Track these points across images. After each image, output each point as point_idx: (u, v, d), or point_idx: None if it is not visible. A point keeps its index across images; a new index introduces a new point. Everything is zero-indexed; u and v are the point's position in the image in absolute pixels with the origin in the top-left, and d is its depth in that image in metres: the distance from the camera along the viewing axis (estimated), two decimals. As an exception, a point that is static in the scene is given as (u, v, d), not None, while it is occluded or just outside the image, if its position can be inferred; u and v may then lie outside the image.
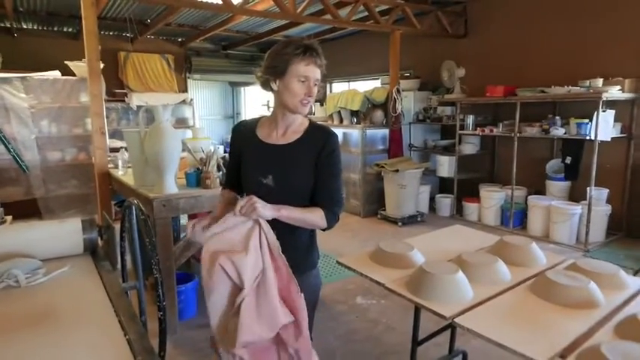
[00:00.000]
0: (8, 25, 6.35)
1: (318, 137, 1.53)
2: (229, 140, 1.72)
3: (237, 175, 1.65)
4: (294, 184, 1.52)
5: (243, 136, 1.63)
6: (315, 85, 1.47)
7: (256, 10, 4.97)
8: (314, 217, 1.49)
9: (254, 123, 1.64)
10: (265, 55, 1.50)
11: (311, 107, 1.59)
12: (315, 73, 1.46)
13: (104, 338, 1.10)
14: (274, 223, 1.42)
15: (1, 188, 5.30)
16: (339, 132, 6.08)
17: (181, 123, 7.15)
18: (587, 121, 4.24)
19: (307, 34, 7.72)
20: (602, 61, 4.55)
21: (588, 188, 4.24)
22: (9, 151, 2.17)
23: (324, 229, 1.54)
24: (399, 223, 5.32)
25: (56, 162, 5.77)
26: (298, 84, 1.44)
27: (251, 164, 1.58)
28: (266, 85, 1.52)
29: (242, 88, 10.64)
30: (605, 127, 4.14)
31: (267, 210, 1.39)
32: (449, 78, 5.82)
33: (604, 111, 4.10)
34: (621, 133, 4.40)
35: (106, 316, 1.21)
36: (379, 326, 2.92)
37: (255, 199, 1.38)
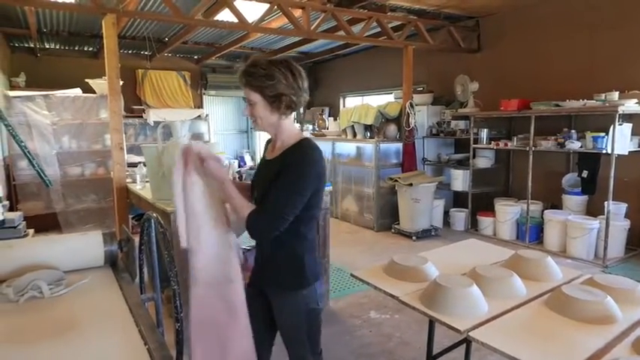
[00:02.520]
0: (32, 46, 6.59)
1: (289, 152, 1.54)
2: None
3: None
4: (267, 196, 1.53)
5: (264, 151, 1.72)
6: (250, 104, 1.52)
7: (271, 28, 5.07)
8: (242, 205, 1.50)
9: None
10: None
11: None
12: (245, 94, 1.52)
13: (125, 348, 1.13)
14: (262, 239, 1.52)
15: (22, 202, 5.44)
16: (352, 146, 6.16)
17: (197, 138, 7.27)
18: (603, 134, 4.20)
19: (321, 50, 7.84)
20: (618, 74, 4.52)
21: (606, 202, 4.17)
22: (33, 166, 2.25)
23: (248, 231, 1.51)
24: (413, 237, 5.30)
25: (76, 177, 5.91)
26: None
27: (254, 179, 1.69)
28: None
29: (256, 104, 10.78)
30: (622, 140, 4.09)
31: (210, 162, 1.49)
32: (462, 92, 5.83)
33: (620, 124, 4.06)
34: (639, 146, 4.34)
35: (127, 326, 1.24)
36: (393, 340, 2.90)
37: (200, 146, 1.50)
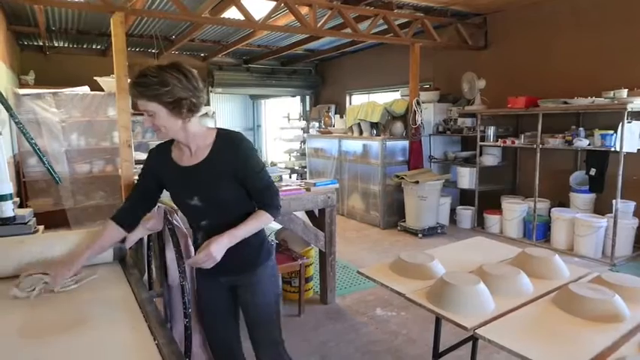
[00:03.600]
0: (41, 44, 6.65)
1: (228, 148, 1.53)
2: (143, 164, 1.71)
3: (140, 197, 1.67)
4: (221, 199, 1.55)
5: (160, 161, 1.63)
6: (150, 115, 1.45)
7: (277, 26, 5.08)
8: (262, 221, 1.57)
9: (167, 147, 1.63)
10: None
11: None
12: (139, 106, 1.46)
13: (135, 342, 1.15)
14: (218, 230, 1.49)
15: (32, 199, 5.50)
16: (358, 144, 6.16)
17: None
18: (611, 132, 4.17)
19: (327, 47, 7.84)
20: (627, 71, 4.48)
21: (614, 201, 4.14)
22: (43, 163, 2.28)
23: (278, 215, 1.61)
24: (420, 235, 5.29)
25: (84, 174, 5.96)
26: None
27: (175, 189, 1.61)
28: None
29: (262, 101, 10.82)
30: (630, 138, 4.06)
31: (222, 250, 1.46)
32: (469, 89, 5.81)
33: (629, 122, 4.02)
34: (648, 144, 4.30)
35: (136, 321, 1.26)
36: (399, 338, 2.91)
37: (211, 249, 1.42)
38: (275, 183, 1.65)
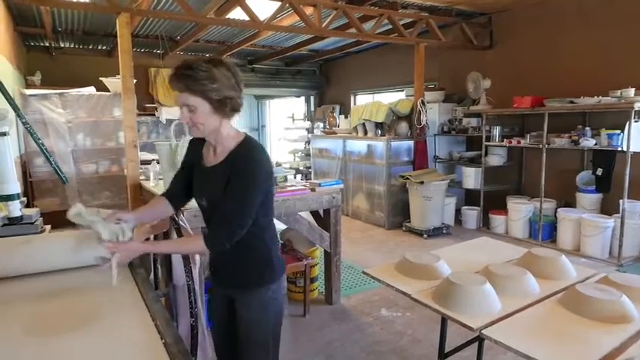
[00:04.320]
0: (47, 45, 6.69)
1: (234, 158, 1.45)
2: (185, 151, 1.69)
3: (180, 185, 1.64)
4: (220, 205, 1.45)
5: (196, 153, 1.59)
6: (190, 110, 1.39)
7: (282, 26, 5.08)
8: (187, 245, 1.55)
9: (203, 142, 1.58)
10: None
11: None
12: (179, 99, 1.39)
13: (142, 341, 1.16)
14: None
15: (39, 199, 5.54)
16: (363, 144, 6.15)
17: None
18: (618, 131, 4.14)
19: (332, 47, 7.83)
20: (634, 70, 4.44)
21: (621, 201, 4.11)
22: (50, 163, 2.29)
23: (212, 251, 1.45)
24: (425, 235, 5.28)
25: (90, 174, 6.00)
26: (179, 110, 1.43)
27: (194, 186, 1.59)
28: None
29: (267, 101, 10.84)
30: (637, 137, 4.02)
31: (131, 254, 1.45)
32: (474, 89, 5.79)
33: (636, 121, 4.00)
34: (655, 143, 4.27)
35: (143, 320, 1.27)
36: (405, 338, 2.90)
37: (120, 247, 1.40)
38: (246, 211, 1.43)
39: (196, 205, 1.61)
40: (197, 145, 1.60)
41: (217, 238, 1.42)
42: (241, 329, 1.56)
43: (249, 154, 1.45)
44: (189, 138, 2.71)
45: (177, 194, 1.65)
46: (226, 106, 1.41)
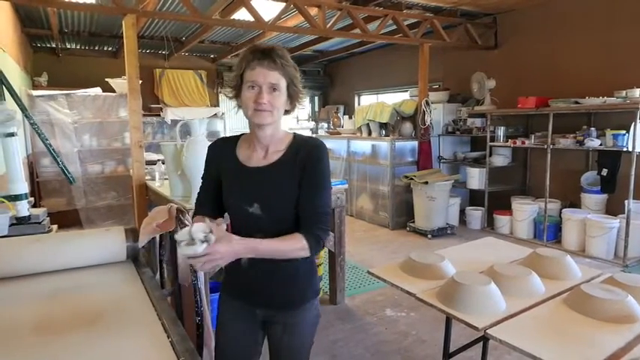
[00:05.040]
0: (54, 46, 6.74)
1: (302, 151, 1.33)
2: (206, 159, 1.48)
3: (212, 198, 1.44)
4: (283, 211, 1.32)
5: (223, 157, 1.42)
6: (274, 90, 1.28)
7: (287, 27, 5.10)
8: (293, 247, 1.28)
9: (233, 142, 1.44)
10: None
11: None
12: (266, 77, 1.26)
13: (149, 340, 1.17)
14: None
15: (46, 199, 5.58)
16: (367, 144, 6.16)
17: (213, 136, 7.33)
18: (623, 132, 4.13)
19: (336, 48, 7.84)
20: (639, 70, 4.43)
21: (626, 201, 4.10)
22: (57, 163, 2.30)
23: (316, 253, 1.32)
24: (429, 236, 5.28)
25: (96, 174, 6.03)
26: (248, 91, 1.28)
27: (233, 191, 1.38)
28: (236, 103, 1.38)
29: (271, 102, 10.84)
30: (643, 138, 4.01)
31: (231, 257, 1.20)
32: (479, 90, 5.78)
33: (642, 122, 3.98)
34: (661, 144, 4.24)
35: (150, 319, 1.28)
36: (409, 338, 2.91)
37: (220, 249, 1.15)
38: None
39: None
40: (222, 147, 1.44)
41: (316, 239, 1.29)
42: (280, 356, 1.46)
43: (318, 144, 1.36)
44: (193, 139, 2.74)
45: (215, 210, 1.44)
46: (295, 100, 1.36)
